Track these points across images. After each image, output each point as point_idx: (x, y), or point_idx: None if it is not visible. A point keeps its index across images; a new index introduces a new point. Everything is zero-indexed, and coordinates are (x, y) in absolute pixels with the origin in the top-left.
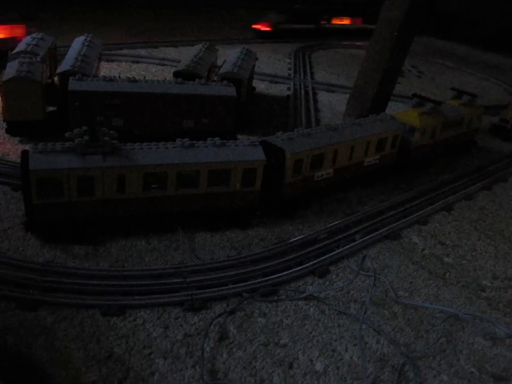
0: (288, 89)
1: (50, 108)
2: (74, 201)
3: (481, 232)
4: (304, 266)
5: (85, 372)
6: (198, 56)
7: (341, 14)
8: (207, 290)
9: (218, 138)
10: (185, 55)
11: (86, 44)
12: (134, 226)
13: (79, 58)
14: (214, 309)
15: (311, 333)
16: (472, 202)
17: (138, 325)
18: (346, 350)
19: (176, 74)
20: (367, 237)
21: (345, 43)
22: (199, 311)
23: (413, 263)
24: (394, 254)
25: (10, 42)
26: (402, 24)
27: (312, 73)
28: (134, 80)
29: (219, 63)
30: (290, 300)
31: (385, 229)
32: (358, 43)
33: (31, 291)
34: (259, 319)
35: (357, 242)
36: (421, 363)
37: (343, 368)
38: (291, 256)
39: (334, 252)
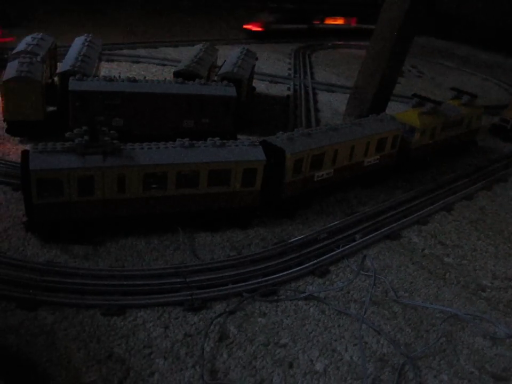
0: (288, 89)
1: (50, 108)
2: (75, 201)
3: (481, 232)
4: (304, 266)
5: (85, 371)
6: (198, 56)
7: (334, 14)
8: (207, 290)
9: (218, 138)
10: (185, 55)
11: (86, 44)
12: (134, 226)
13: (79, 58)
14: (214, 309)
15: (311, 333)
16: (472, 202)
17: (138, 324)
18: (346, 350)
19: (176, 74)
20: (367, 237)
21: (338, 43)
22: (199, 311)
23: (413, 263)
24: (394, 254)
25: None
26: (402, 24)
27: (312, 73)
28: (134, 80)
29: (219, 63)
30: (290, 300)
31: (385, 229)
32: (352, 43)
33: (31, 291)
34: (259, 319)
35: (357, 242)
36: (421, 363)
37: (343, 368)
38: (291, 256)
39: (334, 252)
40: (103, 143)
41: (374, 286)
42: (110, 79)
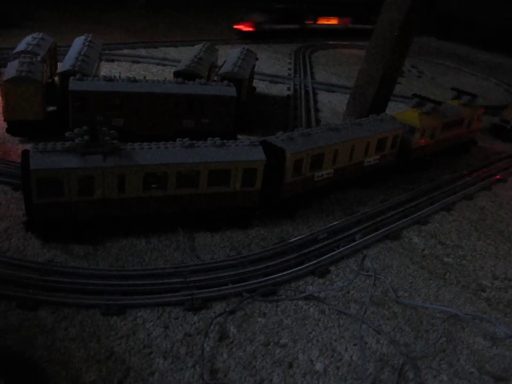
0: (288, 89)
1: (50, 108)
2: (75, 201)
3: (481, 232)
4: (304, 266)
5: (85, 371)
6: (198, 56)
7: (328, 14)
8: (207, 290)
9: (218, 138)
10: (185, 55)
11: (86, 43)
12: (134, 226)
13: (80, 58)
14: (214, 309)
15: (311, 333)
16: (472, 202)
17: (138, 324)
18: (346, 350)
19: (177, 74)
20: (367, 237)
21: (332, 43)
22: (199, 311)
23: (413, 263)
24: (394, 254)
25: None
26: (402, 24)
27: (312, 73)
28: (134, 80)
29: (219, 63)
30: (290, 300)
31: (385, 229)
32: (344, 42)
33: (31, 291)
34: (259, 319)
35: (357, 242)
36: (421, 363)
37: (343, 368)
38: (291, 256)
39: (334, 252)
40: (103, 143)
41: (374, 286)
42: (110, 79)
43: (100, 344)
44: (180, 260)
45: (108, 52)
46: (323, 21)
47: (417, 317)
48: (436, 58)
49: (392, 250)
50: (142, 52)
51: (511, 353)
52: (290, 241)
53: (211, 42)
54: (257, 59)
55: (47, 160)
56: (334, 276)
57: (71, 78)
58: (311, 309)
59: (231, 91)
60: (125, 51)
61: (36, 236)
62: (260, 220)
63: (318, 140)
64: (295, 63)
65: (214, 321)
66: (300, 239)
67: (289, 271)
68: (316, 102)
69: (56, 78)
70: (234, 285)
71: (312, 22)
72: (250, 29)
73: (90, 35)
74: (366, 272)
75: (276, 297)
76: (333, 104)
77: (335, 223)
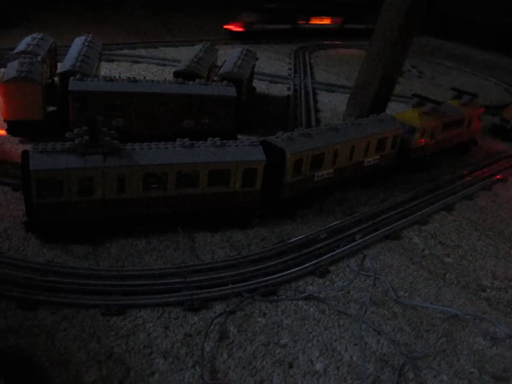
0: (288, 89)
1: (50, 108)
2: (75, 201)
3: (482, 232)
4: (304, 266)
5: (85, 371)
6: (198, 56)
7: (320, 14)
8: (207, 290)
9: (218, 138)
10: (185, 55)
11: (86, 44)
12: (134, 227)
13: (79, 58)
14: (214, 309)
15: (311, 333)
16: (472, 202)
17: (138, 324)
18: (346, 350)
19: (176, 74)
20: (367, 237)
21: (326, 43)
22: (199, 311)
23: (413, 263)
24: (395, 254)
25: None
26: (402, 24)
27: (312, 73)
28: (134, 80)
29: (219, 63)
30: (290, 300)
31: (385, 229)
32: (336, 42)
33: (31, 291)
34: (259, 319)
35: (357, 242)
36: (421, 363)
37: (343, 368)
38: (291, 256)
39: (334, 252)
40: (103, 143)
41: (374, 286)
42: (110, 79)
43: (100, 344)
44: (180, 260)
45: (108, 52)
46: (315, 21)
47: (418, 317)
48: (436, 58)
49: (392, 250)
50: (142, 52)
51: (511, 353)
52: (290, 241)
53: (211, 42)
54: (257, 59)
55: (47, 160)
56: (334, 276)
57: (71, 78)
58: (311, 309)
59: (231, 91)
60: (125, 51)
61: (36, 236)
62: (260, 220)
63: (318, 140)
64: (295, 63)
65: (214, 322)
66: (300, 239)
67: (289, 271)
68: (315, 102)
69: (56, 78)
70: (234, 285)
71: (304, 22)
72: (241, 29)
73: (90, 35)
74: (366, 272)
75: (276, 297)
76: (333, 104)
77: (335, 223)
